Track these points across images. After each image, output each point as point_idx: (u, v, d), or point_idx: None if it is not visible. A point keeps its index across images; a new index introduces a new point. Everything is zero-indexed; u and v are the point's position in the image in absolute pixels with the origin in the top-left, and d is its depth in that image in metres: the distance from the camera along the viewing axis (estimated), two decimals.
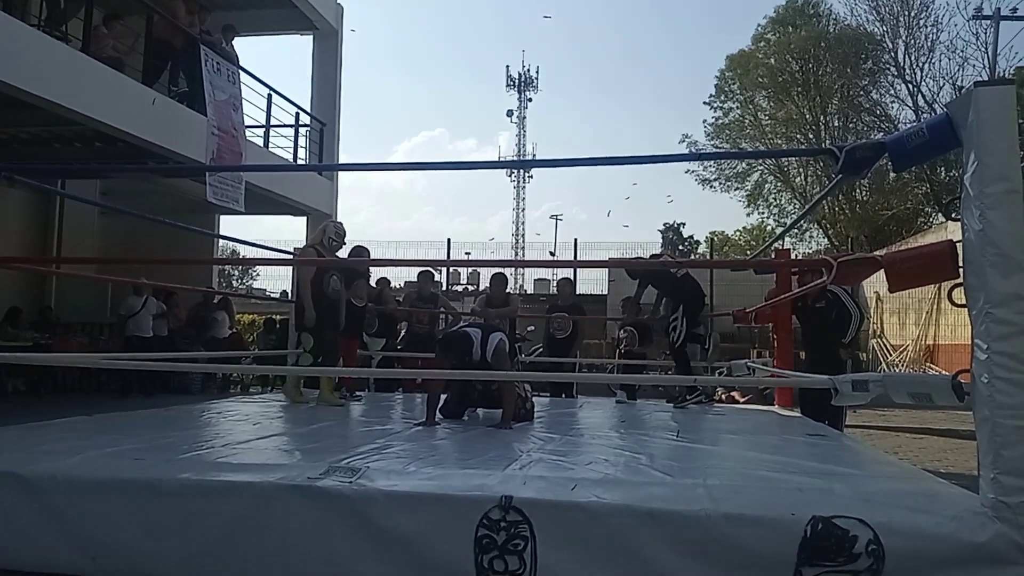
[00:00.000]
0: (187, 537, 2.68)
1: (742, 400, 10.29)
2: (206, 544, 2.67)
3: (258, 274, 32.53)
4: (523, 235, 42.71)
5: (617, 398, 7.55)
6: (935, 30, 22.76)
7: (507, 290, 7.82)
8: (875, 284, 15.85)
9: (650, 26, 79.42)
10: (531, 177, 45.20)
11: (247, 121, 10.98)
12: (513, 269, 20.84)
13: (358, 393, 6.76)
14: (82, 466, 2.92)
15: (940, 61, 22.98)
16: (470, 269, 19.56)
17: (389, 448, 3.65)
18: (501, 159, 40.67)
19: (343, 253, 6.57)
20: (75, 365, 10.99)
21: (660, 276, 6.76)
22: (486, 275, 10.54)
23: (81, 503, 2.76)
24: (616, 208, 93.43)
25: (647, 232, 63.49)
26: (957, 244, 2.65)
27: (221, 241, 15.35)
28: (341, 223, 6.38)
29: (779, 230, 26.09)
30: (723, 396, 9.82)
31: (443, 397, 5.08)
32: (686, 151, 26.78)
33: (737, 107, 28.43)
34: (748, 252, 27.60)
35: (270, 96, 12.22)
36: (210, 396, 10.66)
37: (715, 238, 30.14)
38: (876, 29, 24.04)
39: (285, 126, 13.00)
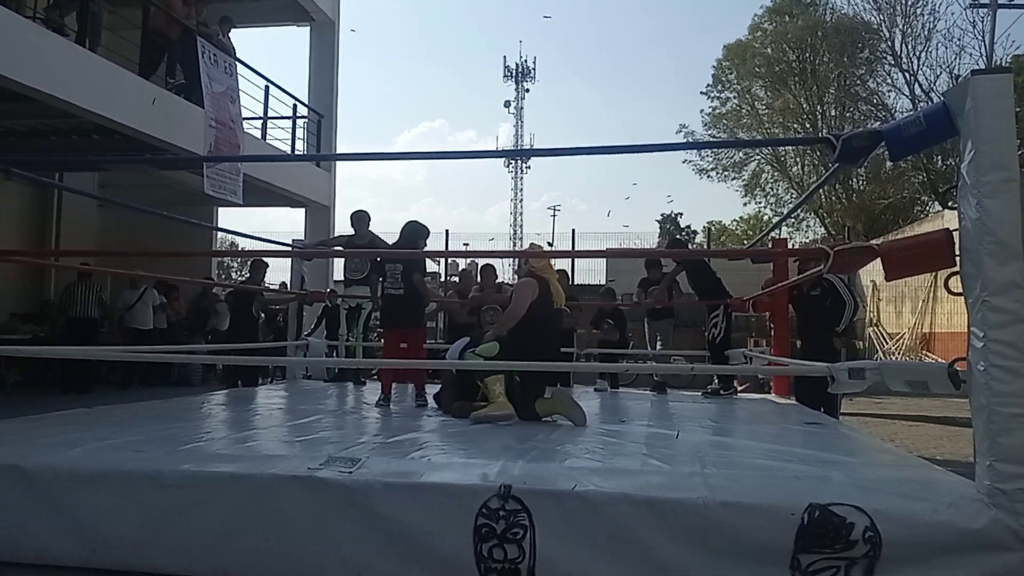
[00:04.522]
0: (186, 528, 2.68)
1: (740, 388, 10.36)
2: (205, 535, 2.67)
3: None
4: (521, 226, 42.69)
5: (597, 387, 7.67)
6: (932, 18, 22.71)
7: (497, 279, 8.00)
8: (872, 272, 15.86)
9: (648, 15, 79.26)
10: (529, 168, 45.11)
11: (244, 113, 10.94)
12: (512, 260, 20.90)
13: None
14: (82, 458, 2.92)
15: (937, 50, 23.00)
16: (467, 260, 19.57)
17: (389, 438, 3.67)
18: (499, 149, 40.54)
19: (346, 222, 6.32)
20: (71, 357, 10.92)
21: (698, 267, 7.35)
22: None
23: (81, 495, 2.76)
24: (616, 209, 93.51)
25: (645, 222, 63.42)
26: (954, 232, 2.65)
27: (220, 233, 15.36)
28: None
29: (776, 219, 26.09)
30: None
31: (438, 387, 5.28)
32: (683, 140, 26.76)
33: (735, 97, 28.39)
34: (745, 242, 27.56)
35: (267, 88, 12.20)
36: (210, 388, 10.67)
37: (712, 228, 30.09)
38: (873, 18, 23.99)
39: (283, 118, 12.98)
